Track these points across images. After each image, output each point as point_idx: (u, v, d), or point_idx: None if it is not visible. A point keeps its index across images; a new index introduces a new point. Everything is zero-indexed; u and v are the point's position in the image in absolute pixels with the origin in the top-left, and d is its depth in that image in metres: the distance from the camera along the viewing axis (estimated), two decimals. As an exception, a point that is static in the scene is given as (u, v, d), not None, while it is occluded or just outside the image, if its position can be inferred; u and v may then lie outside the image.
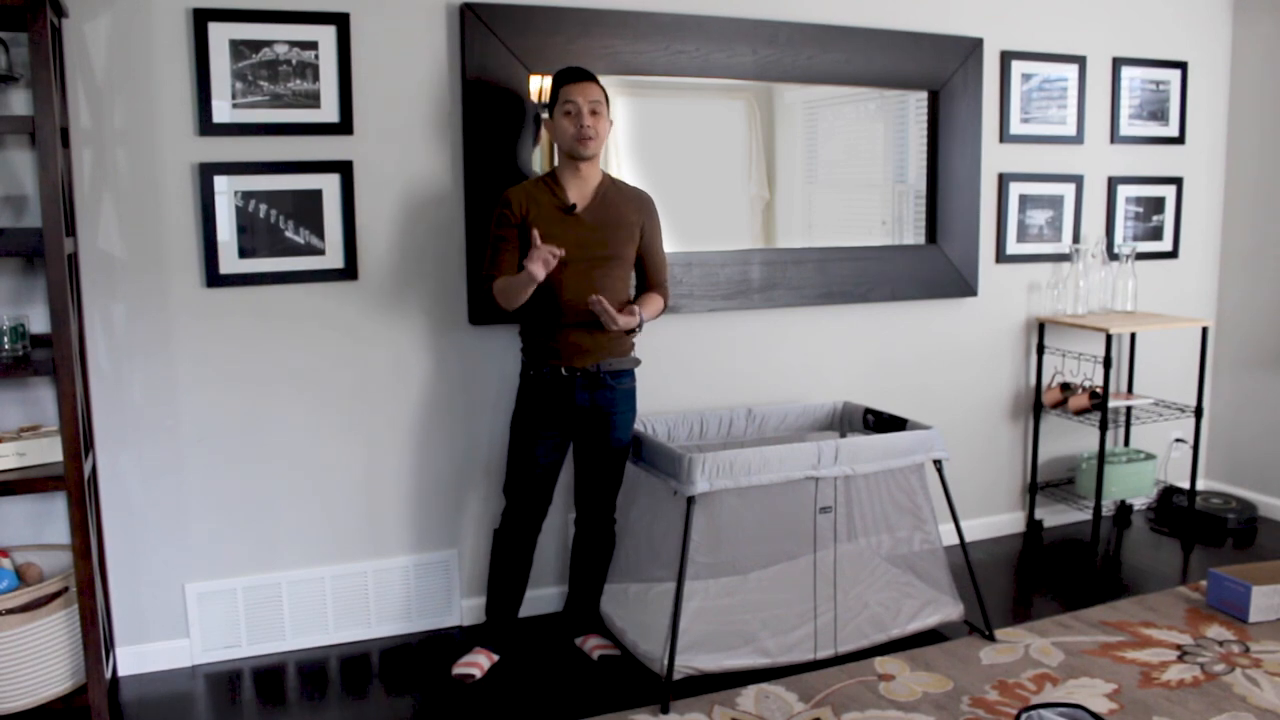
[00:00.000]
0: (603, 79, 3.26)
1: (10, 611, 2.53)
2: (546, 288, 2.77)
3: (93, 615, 2.53)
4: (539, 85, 3.16)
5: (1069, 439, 4.22)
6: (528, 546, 2.97)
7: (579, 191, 2.84)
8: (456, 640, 3.19)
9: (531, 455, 2.88)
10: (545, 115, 2.86)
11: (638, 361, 2.98)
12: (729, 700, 2.75)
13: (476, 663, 2.94)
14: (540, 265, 2.63)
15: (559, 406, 2.86)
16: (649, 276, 3.01)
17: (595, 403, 2.88)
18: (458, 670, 2.92)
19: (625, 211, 2.89)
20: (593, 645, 3.06)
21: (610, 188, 2.90)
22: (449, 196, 3.11)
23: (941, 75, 3.69)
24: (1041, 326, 4.04)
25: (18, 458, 2.57)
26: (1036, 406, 4.09)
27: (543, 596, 3.35)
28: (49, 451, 2.60)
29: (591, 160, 2.82)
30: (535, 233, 2.68)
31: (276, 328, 2.99)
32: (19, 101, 2.64)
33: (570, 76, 2.80)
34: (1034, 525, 4.18)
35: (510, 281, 2.75)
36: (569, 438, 2.94)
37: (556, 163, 2.89)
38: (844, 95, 3.64)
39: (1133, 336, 4.23)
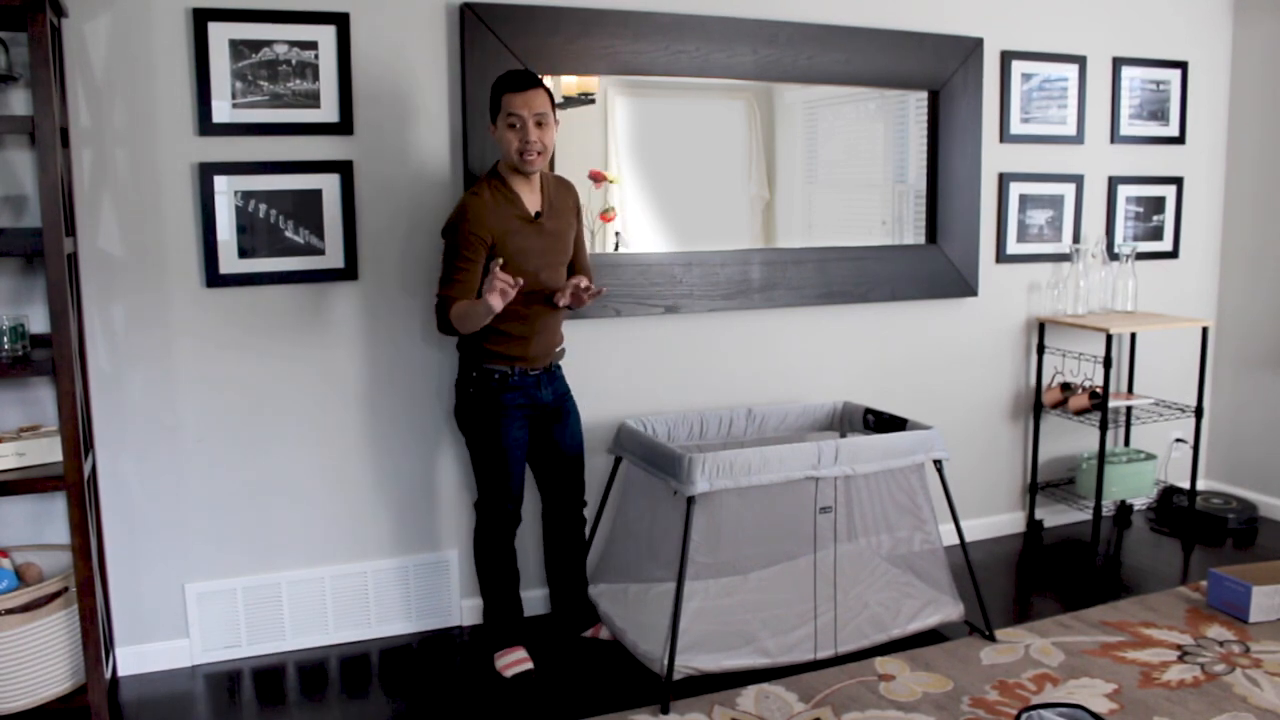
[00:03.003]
0: (603, 79, 3.27)
1: (10, 611, 2.53)
2: (525, 291, 2.71)
3: (92, 615, 2.53)
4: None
5: (1069, 439, 4.22)
6: (512, 547, 2.96)
7: (531, 197, 2.78)
8: (457, 640, 3.19)
9: (514, 455, 2.85)
10: (490, 125, 2.74)
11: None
12: (729, 700, 2.75)
13: (524, 658, 2.96)
14: (499, 296, 2.53)
15: (528, 405, 2.85)
16: (578, 266, 2.96)
17: (555, 395, 2.92)
18: (514, 670, 2.92)
19: (567, 208, 2.89)
20: (607, 633, 3.11)
21: (550, 185, 2.86)
22: (449, 197, 3.11)
23: (941, 75, 3.69)
24: (1042, 326, 4.04)
25: (17, 458, 2.57)
26: (1036, 406, 4.09)
27: (534, 598, 3.35)
28: (49, 451, 2.59)
29: None
30: (496, 263, 2.57)
31: (276, 328, 2.99)
32: (19, 101, 2.64)
33: (513, 84, 2.66)
34: (1034, 525, 4.18)
35: (471, 309, 2.62)
36: (532, 435, 2.93)
37: (499, 164, 2.78)
38: (844, 95, 3.64)
39: (1133, 336, 4.23)
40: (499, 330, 2.76)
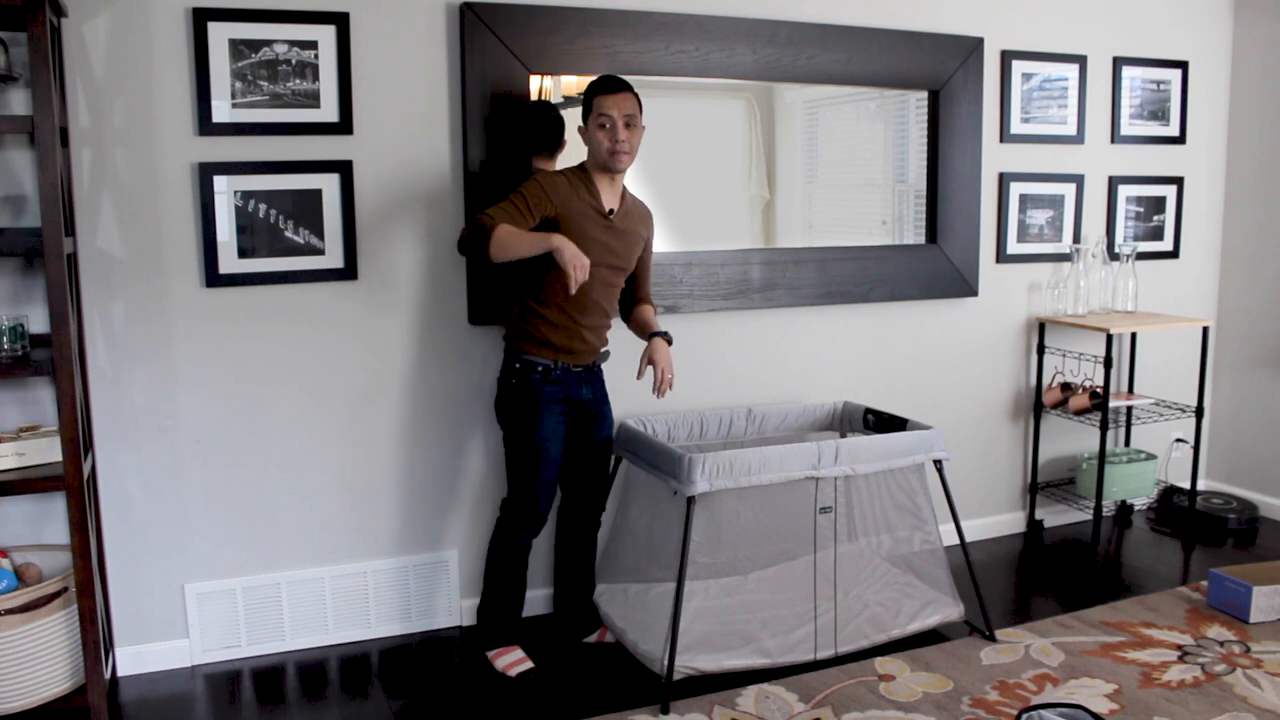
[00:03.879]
0: (603, 79, 3.26)
1: (9, 612, 2.53)
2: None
3: (92, 615, 2.53)
4: (539, 85, 3.17)
5: (1069, 439, 4.22)
6: (529, 547, 2.97)
7: (611, 198, 2.82)
8: (457, 641, 3.19)
9: (549, 450, 2.85)
10: (580, 124, 2.80)
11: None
12: (729, 700, 2.75)
13: (524, 657, 2.95)
14: (570, 266, 2.54)
15: (567, 400, 2.87)
16: (640, 287, 3.01)
17: (595, 395, 2.95)
18: (517, 669, 2.91)
19: (639, 225, 2.92)
20: (611, 636, 3.11)
21: (629, 199, 2.91)
22: (449, 196, 3.11)
23: (942, 75, 3.69)
24: (1042, 326, 4.04)
25: (17, 458, 2.57)
26: (1037, 406, 4.09)
27: (535, 598, 3.35)
28: (48, 451, 2.59)
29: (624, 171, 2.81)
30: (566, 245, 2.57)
31: (276, 328, 2.99)
32: (18, 101, 2.64)
33: (605, 87, 2.74)
34: (1034, 525, 4.18)
35: (524, 237, 2.58)
36: (569, 434, 2.94)
37: (586, 162, 2.82)
38: (844, 95, 3.64)
39: (1133, 336, 4.23)
40: (543, 317, 2.79)
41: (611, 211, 2.81)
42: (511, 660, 2.94)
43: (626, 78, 3.24)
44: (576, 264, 2.55)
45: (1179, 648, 3.07)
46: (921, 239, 3.80)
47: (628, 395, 3.37)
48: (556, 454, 2.87)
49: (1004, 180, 3.92)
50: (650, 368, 2.84)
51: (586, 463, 3.00)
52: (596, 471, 3.03)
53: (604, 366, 3.01)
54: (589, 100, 2.76)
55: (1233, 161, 4.41)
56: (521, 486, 2.87)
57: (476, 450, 3.25)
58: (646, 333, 2.91)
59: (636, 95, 2.77)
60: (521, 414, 2.84)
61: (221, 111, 2.84)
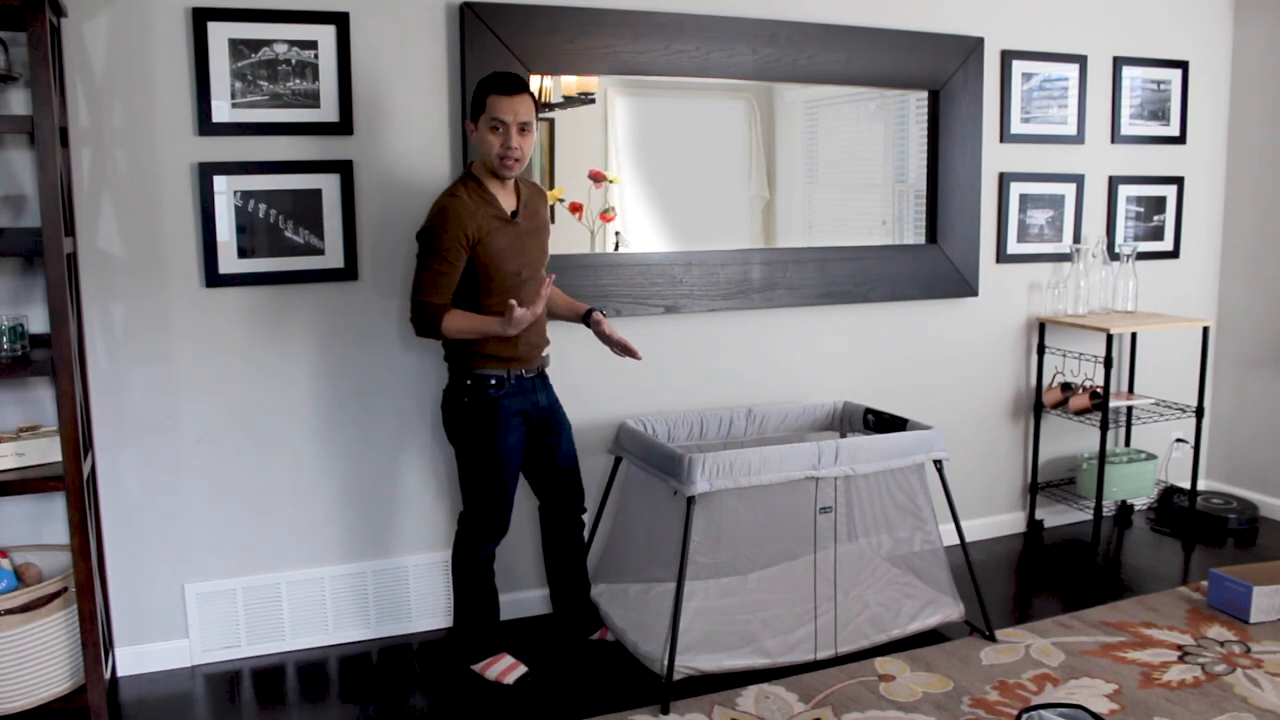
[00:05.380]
0: (603, 79, 3.27)
1: (9, 612, 2.53)
2: (508, 297, 2.68)
3: (92, 615, 2.53)
4: (539, 85, 3.17)
5: (1069, 439, 4.22)
6: (494, 555, 2.93)
7: (506, 198, 2.75)
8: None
9: (511, 465, 2.81)
10: (469, 121, 2.70)
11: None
12: (729, 700, 2.75)
13: (515, 663, 2.93)
14: (515, 328, 2.56)
15: (525, 410, 2.83)
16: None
17: (549, 400, 2.92)
18: (512, 675, 2.89)
19: (540, 209, 2.87)
20: (613, 635, 3.10)
21: (523, 187, 2.83)
22: (449, 196, 3.11)
23: (942, 75, 3.69)
24: (1042, 326, 4.04)
25: (17, 458, 2.57)
26: (1037, 406, 4.09)
27: (532, 598, 3.35)
28: (48, 451, 2.59)
29: None
30: (513, 304, 2.54)
31: (276, 328, 2.99)
32: (18, 101, 2.64)
33: (501, 87, 2.60)
34: (1034, 525, 4.17)
35: (478, 325, 2.63)
36: (528, 445, 2.90)
37: (473, 165, 2.75)
38: (844, 95, 3.64)
39: (1133, 336, 4.23)
40: (493, 338, 2.72)
41: (515, 213, 2.74)
42: (503, 668, 2.91)
43: (628, 77, 3.26)
44: (525, 319, 2.56)
45: (1179, 648, 3.07)
46: (921, 239, 3.80)
47: (628, 395, 3.38)
48: (517, 466, 2.84)
49: (1004, 180, 3.92)
50: (617, 347, 2.85)
51: (556, 475, 2.96)
52: (569, 481, 2.99)
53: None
54: (481, 98, 2.62)
55: (1233, 161, 4.41)
56: (485, 501, 2.81)
57: (476, 450, 3.25)
58: (578, 313, 2.91)
59: (533, 97, 2.66)
60: (481, 429, 2.76)
61: (221, 111, 2.84)
